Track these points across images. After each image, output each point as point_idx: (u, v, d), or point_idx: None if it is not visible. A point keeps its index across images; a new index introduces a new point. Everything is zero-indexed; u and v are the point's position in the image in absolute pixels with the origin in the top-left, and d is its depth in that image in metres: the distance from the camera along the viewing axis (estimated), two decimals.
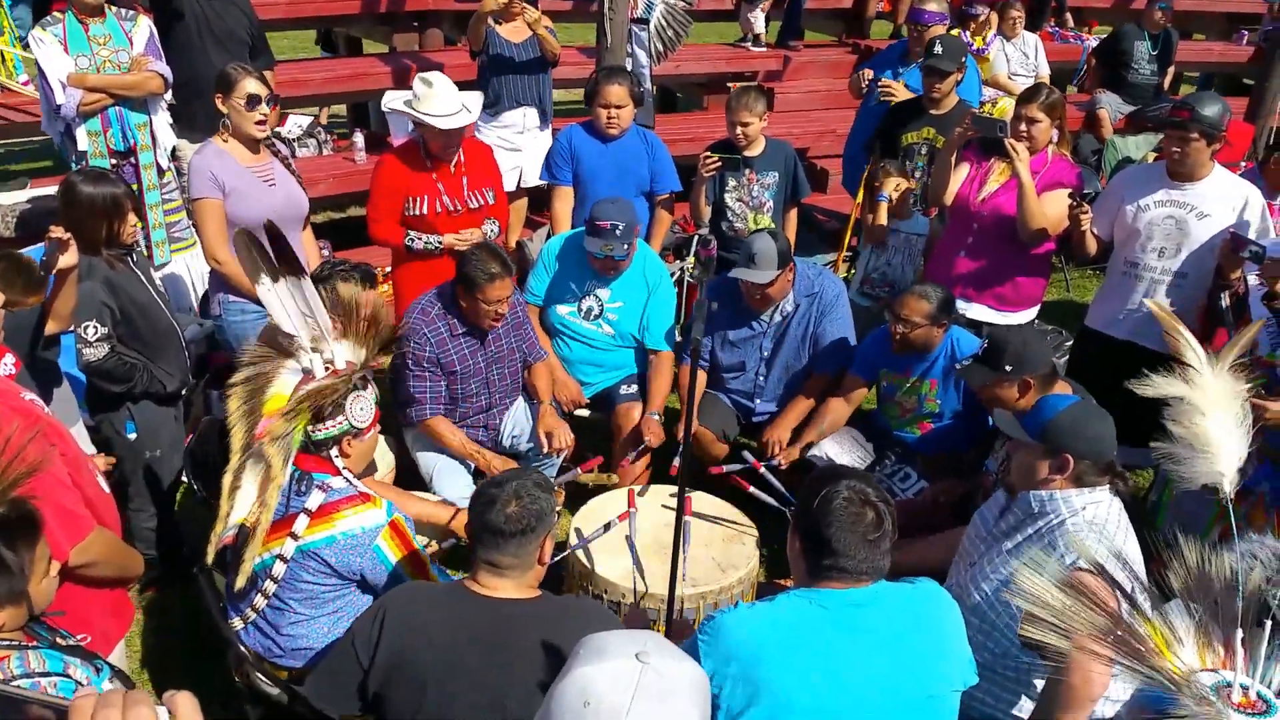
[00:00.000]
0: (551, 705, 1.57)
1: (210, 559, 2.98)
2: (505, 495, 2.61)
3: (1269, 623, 1.55)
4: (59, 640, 2.26)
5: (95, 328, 3.66)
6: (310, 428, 2.98)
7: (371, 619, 2.65)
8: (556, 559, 3.58)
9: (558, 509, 2.92)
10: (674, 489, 3.98)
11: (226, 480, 2.88)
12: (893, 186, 5.26)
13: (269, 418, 2.91)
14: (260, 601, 3.07)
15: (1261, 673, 1.55)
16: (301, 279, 3.00)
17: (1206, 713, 1.50)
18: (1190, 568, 1.68)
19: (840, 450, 4.59)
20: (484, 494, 2.65)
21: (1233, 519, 1.89)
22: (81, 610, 2.80)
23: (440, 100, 4.67)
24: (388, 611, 2.64)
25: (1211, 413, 1.98)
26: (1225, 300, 4.43)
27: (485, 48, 6.21)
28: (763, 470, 4.23)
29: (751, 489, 3.95)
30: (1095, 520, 2.94)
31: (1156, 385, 2.10)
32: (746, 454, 4.38)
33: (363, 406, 3.09)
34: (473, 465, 4.39)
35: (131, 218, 3.82)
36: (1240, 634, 1.58)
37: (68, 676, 2.12)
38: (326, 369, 3.01)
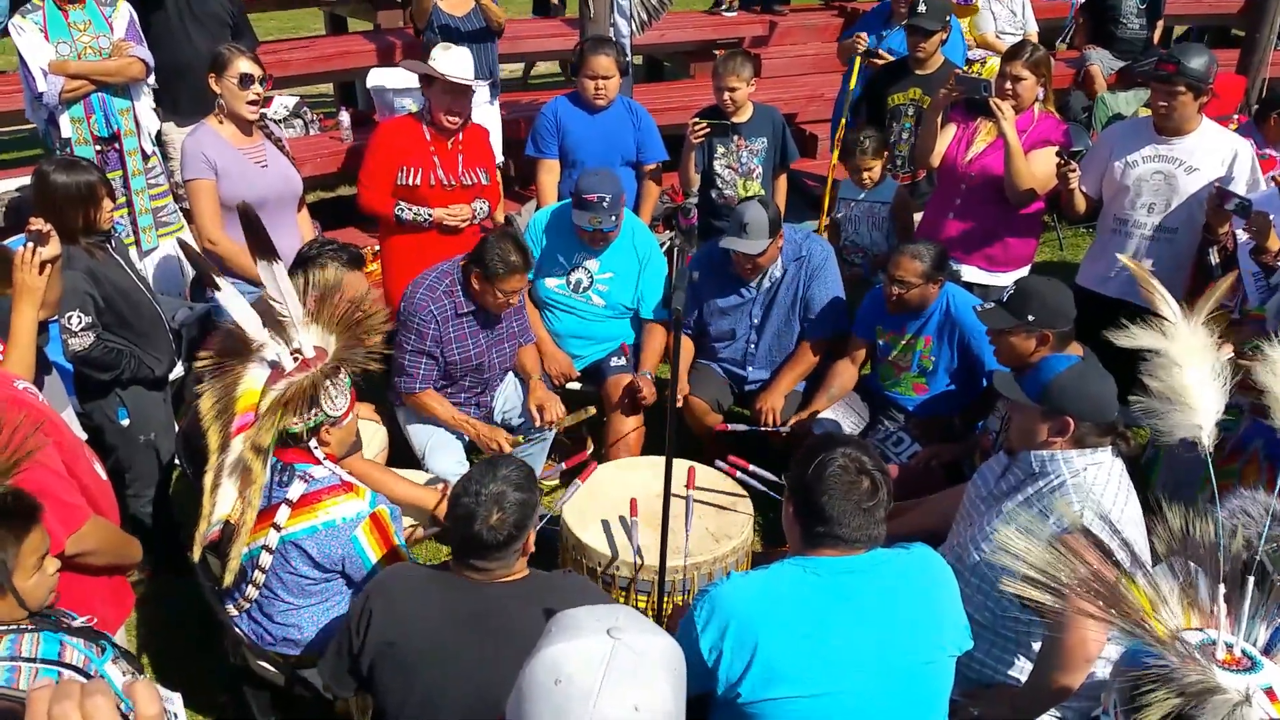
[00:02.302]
0: (523, 684, 1.56)
1: (197, 556, 2.99)
2: (485, 507, 2.55)
3: (1251, 579, 1.56)
4: (63, 620, 2.27)
5: (79, 317, 3.65)
6: (286, 422, 2.95)
7: (363, 601, 2.66)
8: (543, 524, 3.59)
9: (543, 491, 2.90)
10: (684, 462, 4.01)
11: (207, 479, 2.88)
12: None
13: (242, 414, 2.89)
14: (252, 592, 3.07)
15: (1246, 630, 1.56)
16: (275, 262, 2.99)
17: (1193, 670, 1.51)
18: (1173, 529, 1.69)
19: (836, 416, 4.60)
20: (461, 504, 2.59)
21: (1212, 473, 1.89)
22: (81, 598, 2.80)
23: (457, 61, 4.77)
24: (375, 594, 2.65)
25: (1187, 365, 1.98)
26: (1214, 256, 4.42)
27: (430, 24, 6.15)
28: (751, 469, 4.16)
29: (738, 474, 3.91)
30: (1097, 482, 2.92)
31: (1134, 336, 2.10)
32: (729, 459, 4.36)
33: (336, 394, 3.04)
34: (466, 438, 4.40)
35: (107, 203, 3.81)
36: (1223, 591, 1.59)
37: (60, 663, 2.12)
38: (295, 359, 2.97)
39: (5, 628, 2.14)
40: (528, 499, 2.62)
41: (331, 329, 3.05)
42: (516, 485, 2.61)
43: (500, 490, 2.58)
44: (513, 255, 4.08)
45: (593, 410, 4.37)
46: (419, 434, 4.40)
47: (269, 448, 2.89)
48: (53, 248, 3.16)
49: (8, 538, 2.14)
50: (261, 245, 3.03)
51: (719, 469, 3.96)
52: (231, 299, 2.97)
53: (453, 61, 4.77)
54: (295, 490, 2.97)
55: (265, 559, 2.99)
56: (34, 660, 2.09)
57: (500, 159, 5.66)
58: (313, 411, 2.99)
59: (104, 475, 3.10)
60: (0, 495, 2.10)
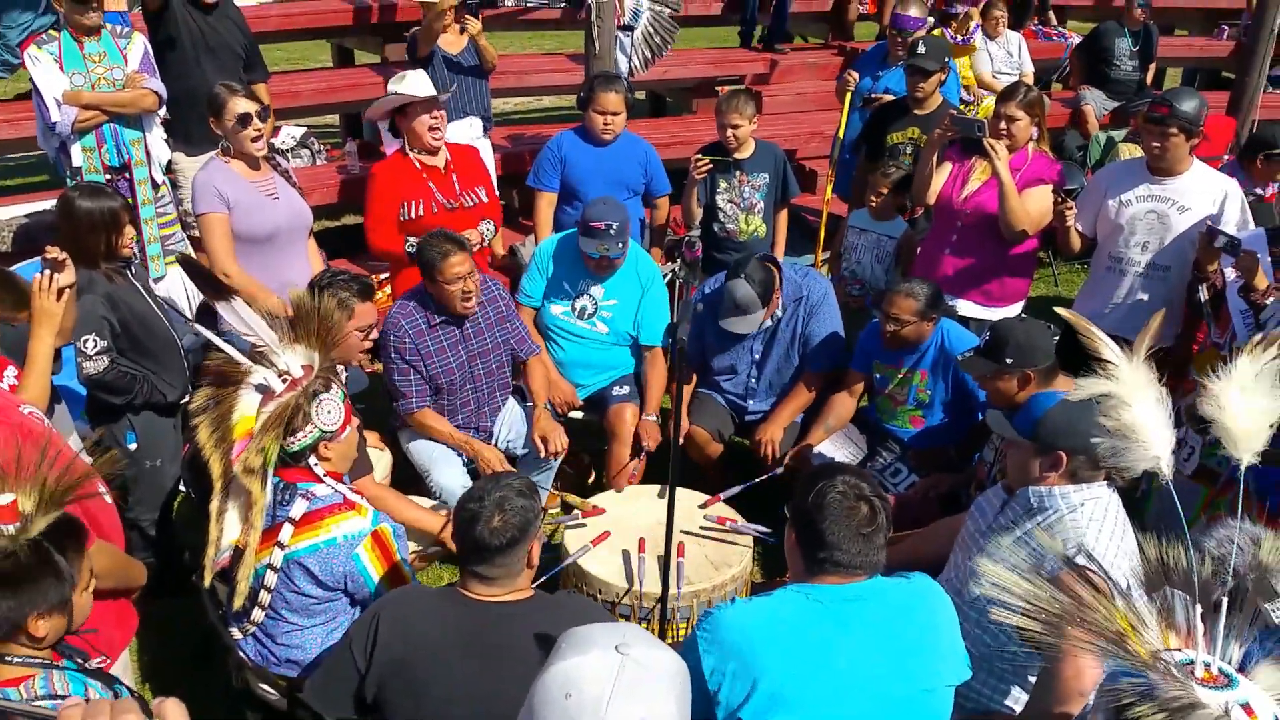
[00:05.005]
0: (534, 699, 1.62)
1: (208, 583, 3.02)
2: (488, 510, 2.61)
3: (1225, 601, 1.63)
4: (78, 661, 2.31)
5: (95, 341, 3.71)
6: (282, 442, 2.99)
7: (368, 623, 2.69)
8: (549, 575, 3.63)
9: (548, 510, 2.95)
10: (698, 498, 4.06)
11: (213, 507, 2.91)
12: None
13: (240, 440, 2.93)
14: (258, 614, 3.10)
15: (1221, 650, 1.63)
16: (233, 300, 3.04)
17: (1173, 687, 1.57)
18: (1150, 557, 1.77)
19: (833, 447, 4.65)
20: (465, 509, 2.66)
21: (1177, 503, 1.97)
22: (87, 621, 2.85)
23: (414, 83, 4.97)
24: (382, 615, 2.68)
25: (1135, 402, 2.06)
26: (1204, 294, 4.49)
27: (432, 53, 6.21)
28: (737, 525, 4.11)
29: (729, 526, 3.90)
30: (1094, 517, 2.95)
31: (1083, 388, 2.18)
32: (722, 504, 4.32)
33: (329, 410, 3.07)
34: (466, 455, 4.46)
35: (129, 230, 3.88)
36: (1200, 611, 1.66)
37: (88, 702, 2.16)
38: (283, 380, 3.01)
39: (35, 661, 2.18)
40: (530, 505, 2.68)
41: (313, 345, 3.09)
42: (519, 492, 2.68)
43: (503, 495, 2.65)
44: (443, 243, 4.18)
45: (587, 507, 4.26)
46: (420, 451, 4.45)
47: (263, 468, 2.92)
48: (68, 274, 3.22)
49: (71, 553, 2.20)
50: (211, 289, 3.09)
51: (705, 522, 3.94)
52: (241, 310, 3.02)
53: (414, 84, 4.96)
54: (297, 509, 3.01)
55: (271, 578, 3.03)
56: (64, 698, 2.13)
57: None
58: (308, 428, 3.03)
59: (109, 499, 3.14)
60: (61, 516, 2.17)
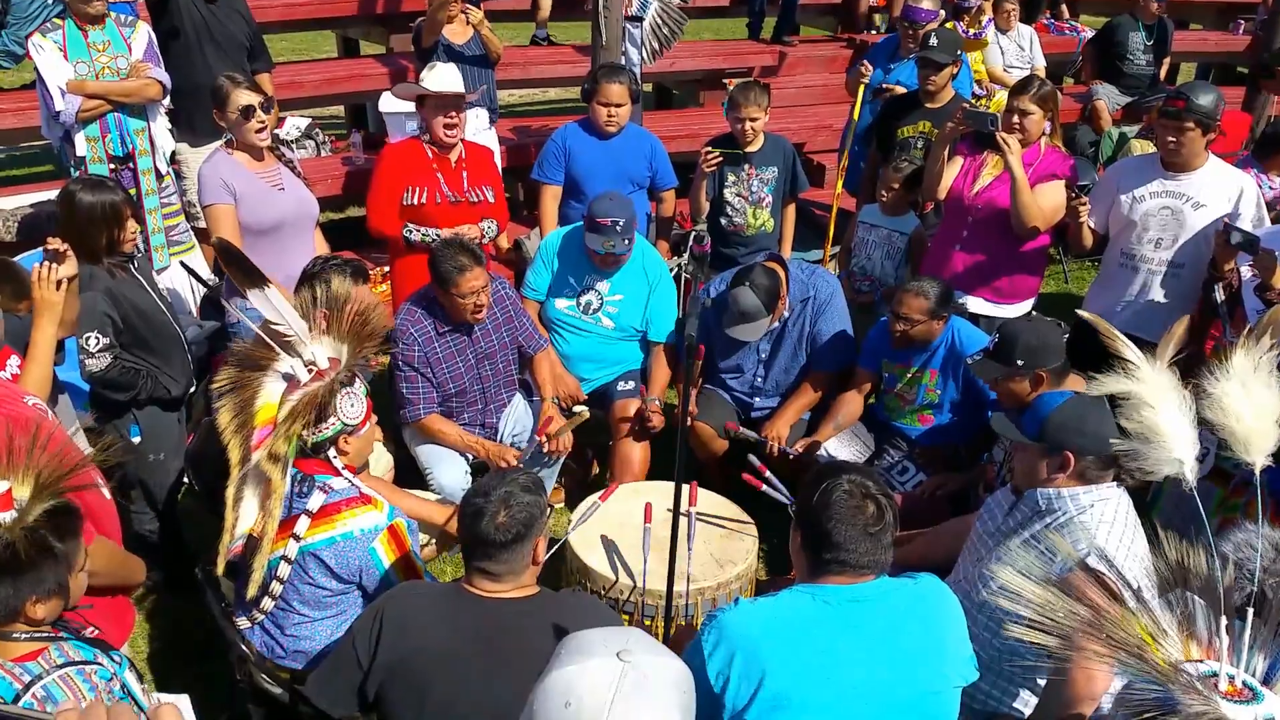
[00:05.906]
0: (534, 706, 1.59)
1: (221, 569, 3.01)
2: (493, 505, 2.61)
3: (1251, 611, 1.58)
4: (79, 632, 2.34)
5: (97, 338, 3.68)
6: (304, 432, 2.99)
7: (371, 619, 2.67)
8: (553, 550, 3.60)
9: (554, 507, 2.92)
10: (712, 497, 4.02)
11: (229, 493, 2.91)
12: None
13: (262, 427, 2.92)
14: (268, 603, 3.09)
15: (1246, 662, 1.58)
16: (266, 287, 3.03)
17: (1196, 701, 1.52)
18: (1170, 561, 1.72)
19: (840, 444, 4.61)
20: (471, 504, 2.65)
21: (1199, 507, 1.92)
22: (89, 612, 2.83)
23: (443, 77, 4.91)
24: (386, 612, 2.66)
25: (1158, 405, 2.01)
26: (1220, 293, 4.43)
27: (436, 45, 6.17)
28: (768, 475, 4.18)
29: (765, 488, 3.93)
30: (1104, 519, 2.93)
31: (1103, 384, 2.13)
32: (752, 457, 4.38)
33: (352, 403, 3.08)
34: (471, 455, 4.43)
35: (131, 224, 3.84)
36: (1224, 623, 1.61)
37: (100, 664, 2.22)
38: (309, 371, 3.00)
39: (41, 635, 2.21)
40: (535, 500, 2.67)
41: (343, 339, 3.09)
42: (525, 488, 2.68)
43: (509, 491, 2.64)
44: (460, 256, 4.11)
45: (586, 414, 4.35)
46: (424, 452, 4.42)
47: (286, 456, 2.93)
48: (69, 266, 3.20)
49: (69, 534, 2.23)
50: (247, 275, 3.08)
51: (745, 479, 3.96)
52: (273, 297, 3.02)
53: (439, 78, 4.91)
54: (315, 501, 3.00)
55: (284, 569, 3.02)
56: (82, 663, 2.20)
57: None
58: (330, 420, 3.03)
59: (108, 494, 3.12)
60: (60, 500, 2.21)
